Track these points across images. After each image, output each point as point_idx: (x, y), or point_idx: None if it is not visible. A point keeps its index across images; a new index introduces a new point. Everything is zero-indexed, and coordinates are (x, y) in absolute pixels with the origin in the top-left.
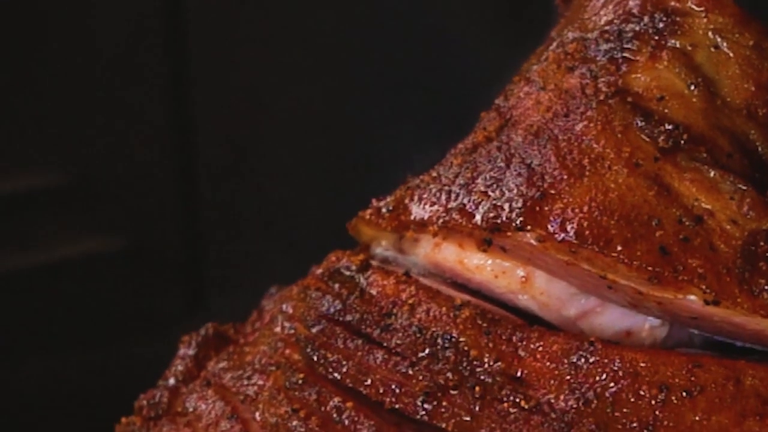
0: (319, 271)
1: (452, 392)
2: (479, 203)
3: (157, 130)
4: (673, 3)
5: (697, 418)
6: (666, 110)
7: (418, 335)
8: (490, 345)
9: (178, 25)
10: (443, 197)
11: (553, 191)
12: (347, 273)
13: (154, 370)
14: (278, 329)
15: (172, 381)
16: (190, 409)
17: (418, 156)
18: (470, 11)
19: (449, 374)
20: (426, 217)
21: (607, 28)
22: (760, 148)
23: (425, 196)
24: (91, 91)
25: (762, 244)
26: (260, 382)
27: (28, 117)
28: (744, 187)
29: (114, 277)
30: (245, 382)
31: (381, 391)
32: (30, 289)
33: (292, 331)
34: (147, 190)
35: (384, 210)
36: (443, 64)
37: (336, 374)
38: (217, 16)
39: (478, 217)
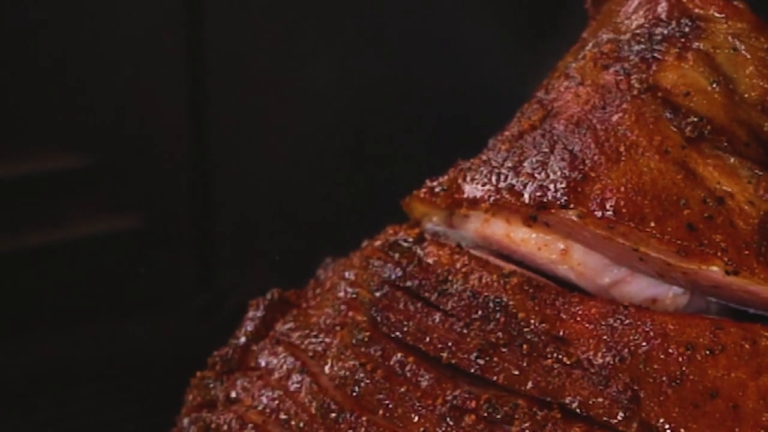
0: (378, 242)
1: (502, 349)
2: (527, 184)
3: (172, 117)
4: (697, 10)
5: (718, 374)
6: (691, 104)
7: (472, 299)
8: (536, 308)
9: (196, 14)
10: (494, 178)
11: (593, 174)
12: (405, 244)
13: (167, 339)
14: (341, 294)
15: (243, 340)
16: (262, 364)
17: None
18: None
19: (499, 334)
20: (478, 196)
21: (638, 31)
22: None
23: (477, 177)
24: (111, 81)
25: None
26: (327, 340)
27: (52, 104)
28: (760, 173)
29: (131, 254)
30: (313, 340)
31: (439, 347)
32: (53, 264)
33: (355, 296)
34: (163, 173)
35: (438, 189)
36: (456, 60)
37: (398, 333)
38: (235, 5)
39: (526, 196)
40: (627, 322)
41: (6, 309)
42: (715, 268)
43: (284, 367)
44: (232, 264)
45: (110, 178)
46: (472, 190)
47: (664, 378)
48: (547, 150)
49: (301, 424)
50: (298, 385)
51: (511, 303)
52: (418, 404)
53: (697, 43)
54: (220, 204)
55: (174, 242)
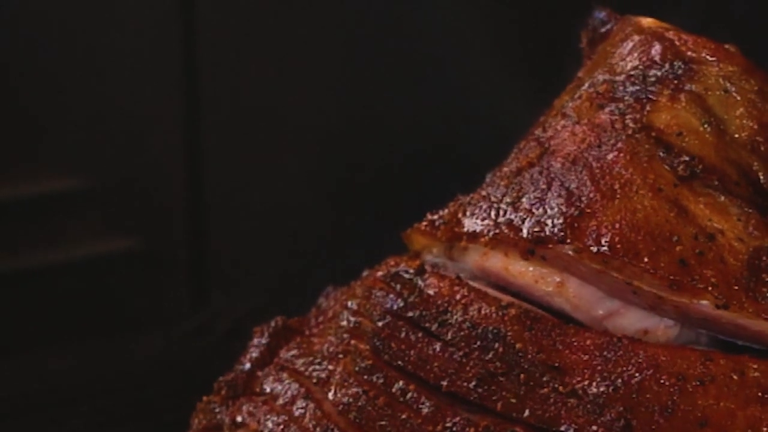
0: (380, 273)
1: (500, 378)
2: (525, 219)
3: (168, 140)
4: (690, 53)
5: (708, 404)
6: (684, 144)
7: (471, 330)
8: (533, 339)
9: (192, 36)
10: (493, 213)
11: (589, 210)
12: (406, 276)
13: (162, 359)
14: (344, 323)
15: (248, 366)
16: (267, 390)
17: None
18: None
19: (498, 363)
20: (477, 230)
21: (633, 72)
22: (761, 178)
23: (476, 212)
24: (107, 103)
25: (764, 258)
26: (330, 367)
27: (49, 126)
28: (749, 210)
29: (126, 275)
30: (317, 367)
31: (439, 376)
32: (48, 285)
33: (358, 325)
34: (158, 195)
35: (438, 222)
36: (455, 96)
37: (399, 362)
38: (229, 28)
39: (524, 231)
40: (620, 353)
41: (0, 329)
42: (705, 302)
43: (289, 392)
44: (227, 285)
45: (106, 199)
46: (471, 224)
47: (656, 407)
48: (544, 186)
49: None
50: (303, 411)
51: (509, 334)
52: (418, 431)
53: (689, 85)
54: (215, 226)
55: (169, 263)
